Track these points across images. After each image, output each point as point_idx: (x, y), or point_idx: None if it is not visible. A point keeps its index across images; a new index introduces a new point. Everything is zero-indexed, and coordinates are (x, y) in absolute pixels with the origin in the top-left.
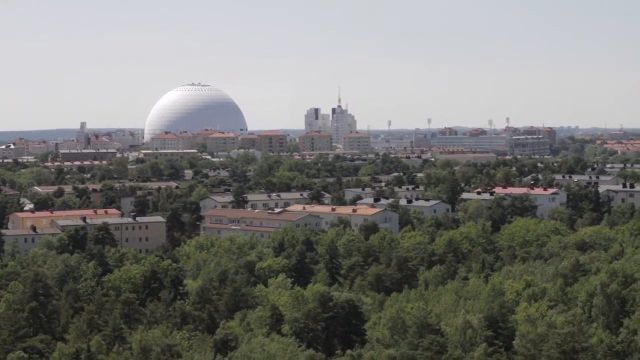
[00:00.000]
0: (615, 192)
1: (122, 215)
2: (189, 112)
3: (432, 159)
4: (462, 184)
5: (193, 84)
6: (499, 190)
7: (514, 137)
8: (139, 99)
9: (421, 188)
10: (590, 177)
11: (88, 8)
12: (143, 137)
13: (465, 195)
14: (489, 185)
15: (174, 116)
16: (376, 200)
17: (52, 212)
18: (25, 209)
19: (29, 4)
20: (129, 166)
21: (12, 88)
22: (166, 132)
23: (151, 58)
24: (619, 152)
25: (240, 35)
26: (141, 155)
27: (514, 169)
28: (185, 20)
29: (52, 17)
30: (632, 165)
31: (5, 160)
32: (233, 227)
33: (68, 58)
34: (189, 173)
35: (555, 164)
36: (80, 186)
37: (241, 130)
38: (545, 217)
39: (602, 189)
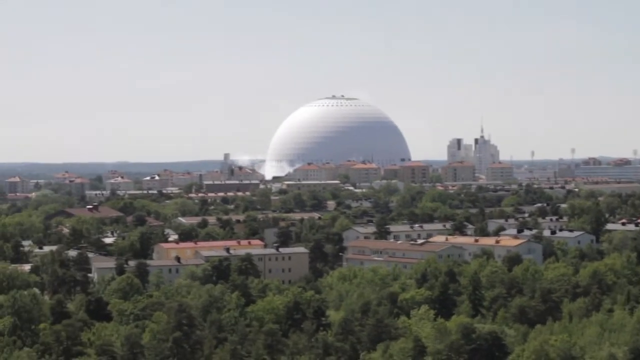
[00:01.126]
0: None
1: (265, 246)
2: (331, 134)
3: (576, 190)
4: (607, 215)
5: (334, 97)
6: None
7: None
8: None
9: (565, 219)
10: None
11: (219, 32)
12: (259, 167)
13: (609, 226)
14: (634, 216)
15: (313, 138)
16: (519, 231)
17: (196, 243)
18: (169, 239)
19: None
20: (272, 197)
21: (157, 122)
22: (309, 163)
23: (285, 79)
24: None
25: (378, 61)
26: (284, 187)
27: None
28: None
29: (191, 45)
30: None
31: (150, 192)
32: (375, 258)
33: (207, 88)
34: (331, 204)
35: None
36: (224, 217)
37: (402, 160)
38: None
39: None
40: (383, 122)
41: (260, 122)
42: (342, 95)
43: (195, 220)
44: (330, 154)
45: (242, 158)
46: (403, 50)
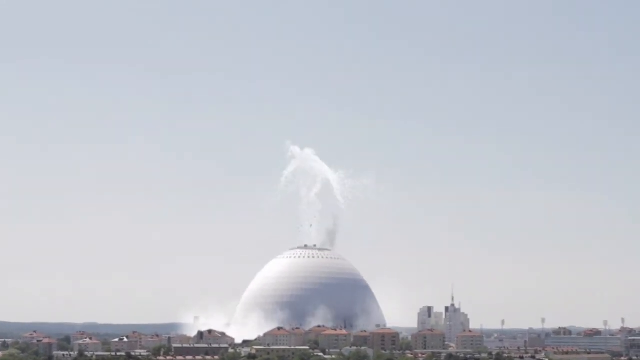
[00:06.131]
0: None
1: None
2: (301, 291)
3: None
4: None
5: (307, 247)
6: None
7: (630, 338)
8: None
9: None
10: None
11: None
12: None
13: None
14: None
15: (283, 297)
16: None
17: None
18: None
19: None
20: None
21: (126, 283)
22: (278, 328)
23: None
24: None
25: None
26: (253, 351)
27: None
28: None
29: (134, 208)
30: None
31: (118, 354)
32: None
33: (176, 248)
34: None
35: None
36: None
37: (377, 326)
38: None
39: None
40: (356, 280)
41: (230, 280)
42: (315, 245)
43: None
44: (303, 312)
45: (208, 321)
46: (363, 214)
